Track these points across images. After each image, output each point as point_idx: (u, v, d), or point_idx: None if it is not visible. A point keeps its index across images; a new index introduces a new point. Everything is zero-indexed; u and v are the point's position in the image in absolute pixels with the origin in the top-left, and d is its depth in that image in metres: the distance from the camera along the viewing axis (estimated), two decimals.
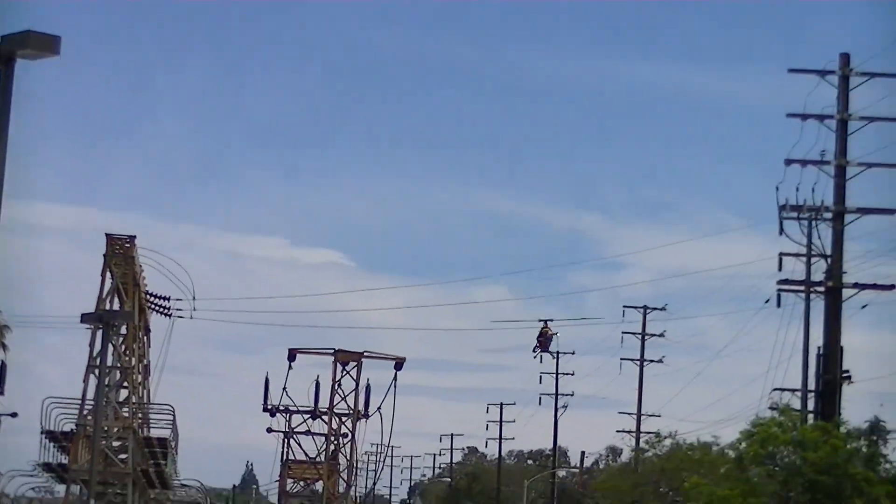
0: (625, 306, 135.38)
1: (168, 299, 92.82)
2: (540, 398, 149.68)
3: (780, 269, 79.69)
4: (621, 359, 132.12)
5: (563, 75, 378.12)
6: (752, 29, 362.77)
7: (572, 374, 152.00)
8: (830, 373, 74.74)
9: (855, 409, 79.63)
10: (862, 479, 66.03)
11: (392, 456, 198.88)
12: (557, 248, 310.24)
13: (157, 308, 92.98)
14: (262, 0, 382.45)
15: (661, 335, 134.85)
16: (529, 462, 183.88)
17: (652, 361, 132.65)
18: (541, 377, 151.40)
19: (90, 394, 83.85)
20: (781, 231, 78.35)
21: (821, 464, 65.85)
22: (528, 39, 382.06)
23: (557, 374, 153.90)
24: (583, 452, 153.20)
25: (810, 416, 75.46)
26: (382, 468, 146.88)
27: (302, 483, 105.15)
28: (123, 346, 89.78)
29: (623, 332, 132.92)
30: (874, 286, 78.41)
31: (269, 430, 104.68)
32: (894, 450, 71.34)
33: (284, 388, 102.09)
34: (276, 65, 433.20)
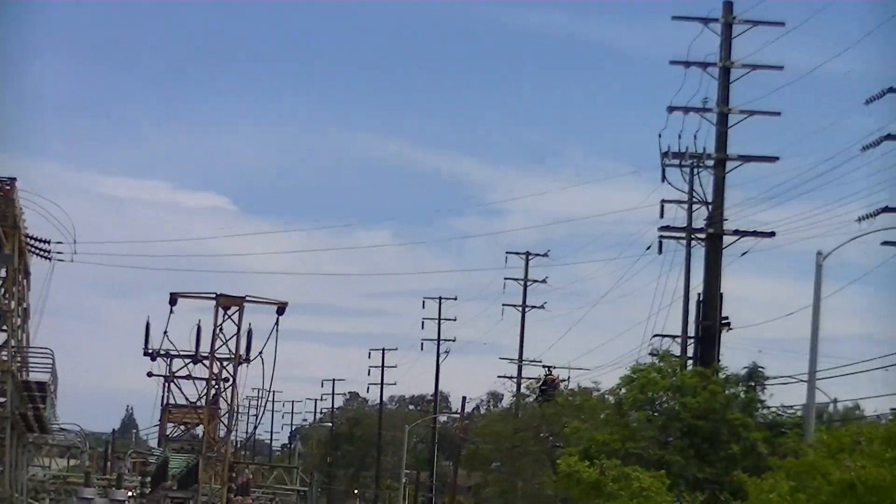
0: (507, 252, 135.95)
1: (48, 242, 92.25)
2: (422, 343, 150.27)
3: (661, 215, 79.93)
4: (503, 305, 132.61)
5: (445, 21, 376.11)
6: None
7: (454, 320, 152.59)
8: (710, 319, 75.00)
9: (734, 356, 79.86)
10: (739, 424, 66.32)
11: (273, 401, 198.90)
12: (440, 195, 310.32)
13: (37, 251, 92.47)
14: None
15: (544, 281, 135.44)
16: (411, 407, 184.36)
17: (534, 307, 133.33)
18: (423, 323, 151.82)
19: None
20: (664, 178, 78.56)
21: (699, 409, 66.06)
22: None
23: (440, 319, 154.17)
24: (464, 398, 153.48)
25: (689, 362, 75.71)
26: (263, 413, 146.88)
27: (182, 427, 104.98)
28: (3, 290, 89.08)
29: (505, 279, 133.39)
30: (754, 233, 78.77)
31: (150, 375, 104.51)
32: (772, 396, 71.70)
33: (165, 333, 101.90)
34: (157, 4, 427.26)
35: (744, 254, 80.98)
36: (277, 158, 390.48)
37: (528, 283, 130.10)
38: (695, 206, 78.72)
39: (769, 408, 70.24)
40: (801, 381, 59.63)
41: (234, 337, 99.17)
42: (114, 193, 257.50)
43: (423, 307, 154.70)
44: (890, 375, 69.84)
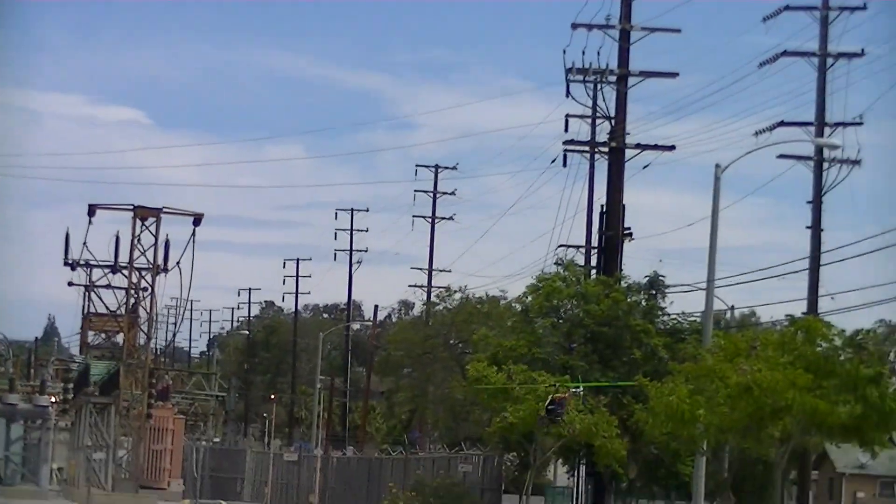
0: (417, 165, 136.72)
1: None
2: (335, 254, 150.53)
3: (566, 130, 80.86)
4: (413, 216, 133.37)
5: None
6: None
7: (366, 231, 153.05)
8: (612, 230, 76.23)
9: (635, 265, 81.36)
10: (641, 330, 67.60)
11: (191, 309, 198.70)
12: (350, 109, 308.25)
13: None
14: None
15: (452, 193, 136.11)
16: (325, 316, 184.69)
17: (443, 219, 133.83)
18: (336, 234, 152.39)
19: None
20: (568, 93, 79.35)
21: (602, 316, 67.37)
22: None
23: (351, 230, 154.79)
24: (376, 306, 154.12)
25: (593, 271, 77.02)
26: (182, 321, 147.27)
27: (103, 335, 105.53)
28: None
29: (415, 191, 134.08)
30: (655, 147, 79.86)
31: (70, 284, 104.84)
32: (672, 303, 72.98)
33: (85, 243, 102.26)
34: None
35: (645, 167, 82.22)
36: (191, 73, 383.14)
37: (438, 196, 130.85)
38: (598, 121, 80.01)
39: (669, 315, 71.40)
40: (700, 288, 60.76)
41: (152, 247, 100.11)
42: (30, 106, 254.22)
43: (336, 218, 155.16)
44: (785, 283, 71.45)
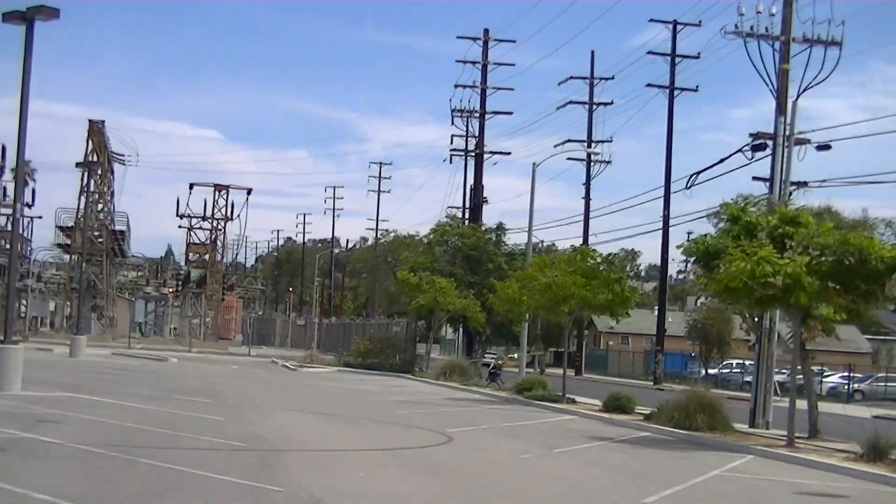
0: (370, 162, 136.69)
1: (123, 155, 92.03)
2: (324, 211, 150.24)
3: (451, 143, 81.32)
4: (368, 190, 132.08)
5: None
6: None
7: (342, 199, 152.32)
8: (477, 198, 76.16)
9: (490, 217, 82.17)
10: (492, 253, 67.83)
11: (245, 240, 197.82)
12: (333, 130, 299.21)
13: (117, 160, 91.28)
14: None
15: (389, 178, 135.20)
16: (319, 245, 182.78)
17: (384, 191, 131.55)
18: (325, 200, 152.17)
19: None
20: (452, 123, 79.50)
21: (471, 245, 67.36)
22: None
23: (334, 201, 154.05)
24: (348, 241, 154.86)
25: (467, 220, 77.06)
26: (240, 247, 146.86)
27: (198, 255, 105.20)
28: (99, 181, 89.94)
29: (369, 177, 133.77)
30: (499, 152, 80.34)
31: (180, 227, 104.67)
32: (509, 238, 73.09)
33: (188, 204, 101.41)
34: None
35: (495, 163, 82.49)
36: (245, 106, 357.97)
37: (383, 179, 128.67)
38: (470, 138, 79.90)
39: (507, 245, 71.42)
40: (524, 230, 61.41)
41: (224, 206, 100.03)
42: (158, 130, 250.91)
43: (325, 192, 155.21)
44: (571, 228, 71.52)
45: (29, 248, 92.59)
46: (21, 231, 76.02)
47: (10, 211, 66.79)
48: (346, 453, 20.89)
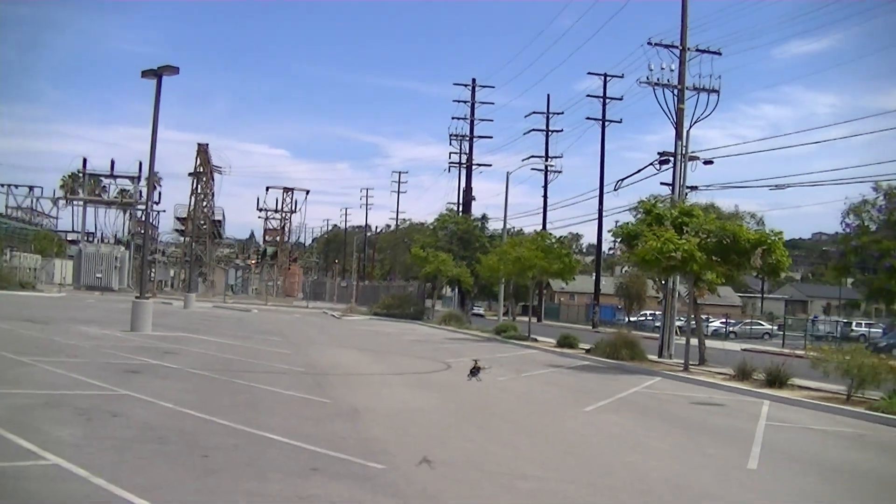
0: (392, 171, 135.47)
1: (220, 167, 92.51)
2: (360, 207, 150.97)
3: (449, 157, 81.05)
4: (391, 191, 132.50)
5: None
6: None
7: (373, 198, 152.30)
8: (467, 197, 75.98)
9: (478, 210, 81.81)
10: (479, 236, 67.55)
11: (305, 226, 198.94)
12: (363, 150, 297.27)
13: (217, 170, 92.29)
14: None
15: (406, 182, 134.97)
16: (357, 229, 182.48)
17: (402, 193, 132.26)
18: (358, 200, 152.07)
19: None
20: (450, 143, 79.15)
21: (463, 230, 67.12)
22: None
23: (367, 200, 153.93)
24: (376, 227, 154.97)
25: (461, 213, 76.85)
26: (301, 232, 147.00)
27: (270, 237, 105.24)
28: (205, 184, 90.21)
29: (392, 181, 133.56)
30: (483, 164, 79.59)
31: (259, 217, 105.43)
32: (490, 224, 72.99)
33: (265, 201, 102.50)
34: None
35: (480, 172, 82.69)
36: (305, 133, 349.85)
37: (401, 183, 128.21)
38: (463, 154, 79.63)
39: (490, 229, 71.22)
40: (500, 220, 61.30)
41: (291, 202, 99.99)
42: (244, 148, 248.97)
43: (361, 191, 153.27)
44: (533, 219, 71.08)
45: (157, 233, 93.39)
46: (151, 221, 76.53)
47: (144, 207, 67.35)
48: (374, 376, 21.01)
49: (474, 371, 8.55)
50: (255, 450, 10.30)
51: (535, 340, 39.20)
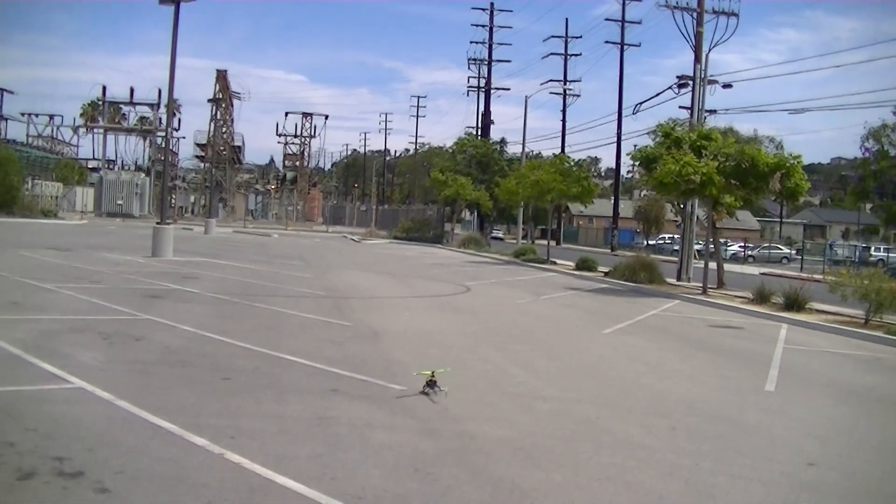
0: (411, 96, 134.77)
1: (239, 93, 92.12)
2: (378, 130, 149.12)
3: (468, 82, 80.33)
4: (410, 115, 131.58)
5: None
6: None
7: (391, 122, 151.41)
8: (486, 121, 75.54)
9: (495, 134, 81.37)
10: (497, 159, 67.29)
11: (324, 149, 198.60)
12: (390, 81, 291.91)
13: (235, 97, 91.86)
14: None
15: (425, 107, 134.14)
16: (376, 154, 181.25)
17: (422, 117, 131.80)
18: (376, 124, 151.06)
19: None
20: (469, 68, 78.56)
21: (483, 154, 66.93)
22: None
23: (386, 125, 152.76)
24: (395, 150, 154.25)
25: (479, 136, 76.32)
26: (321, 155, 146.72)
27: (291, 162, 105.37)
28: (224, 110, 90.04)
29: (410, 105, 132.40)
30: (502, 88, 78.80)
31: (278, 143, 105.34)
32: (509, 148, 72.48)
33: (284, 126, 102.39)
34: None
35: (498, 97, 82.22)
36: (323, 62, 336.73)
37: (420, 107, 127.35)
38: (481, 79, 79.00)
39: (508, 153, 71.06)
40: (519, 143, 60.94)
41: (310, 128, 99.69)
42: (263, 75, 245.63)
43: (379, 116, 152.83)
44: (552, 142, 70.67)
45: (177, 159, 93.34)
46: (171, 147, 76.38)
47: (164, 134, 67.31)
48: (394, 299, 21.06)
49: (430, 384, 8.49)
50: (276, 372, 10.36)
51: (554, 263, 39.20)
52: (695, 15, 35.11)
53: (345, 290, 22.16)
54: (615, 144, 72.75)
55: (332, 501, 5.83)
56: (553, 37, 79.61)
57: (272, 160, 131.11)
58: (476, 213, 70.07)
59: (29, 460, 6.24)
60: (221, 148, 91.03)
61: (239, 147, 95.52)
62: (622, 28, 73.35)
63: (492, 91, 77.06)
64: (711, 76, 35.72)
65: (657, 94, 57.43)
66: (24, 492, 5.62)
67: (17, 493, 5.57)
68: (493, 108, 78.24)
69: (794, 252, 68.43)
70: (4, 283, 17.80)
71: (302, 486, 6.09)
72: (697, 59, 34.76)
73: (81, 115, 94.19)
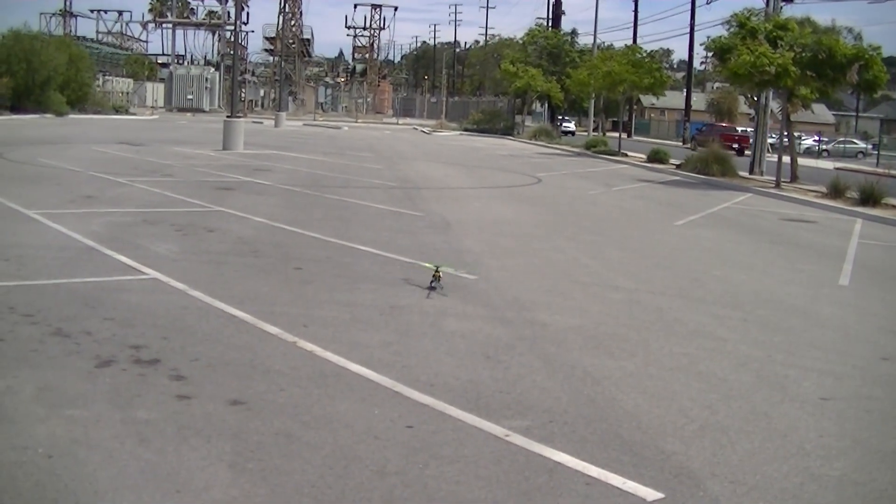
0: (480, 7, 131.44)
1: None
2: (448, 23, 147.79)
3: (548, 12, 78.47)
4: (483, 11, 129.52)
5: None
6: None
7: (461, 22, 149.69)
8: (557, 11, 73.99)
9: (566, 26, 79.64)
10: (568, 49, 66.19)
11: (393, 41, 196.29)
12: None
13: None
14: None
15: (494, 7, 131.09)
16: (447, 45, 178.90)
17: (492, 7, 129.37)
18: (447, 19, 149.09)
19: None
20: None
21: (553, 45, 65.64)
22: None
23: (457, 20, 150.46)
24: (465, 42, 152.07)
25: (550, 28, 74.98)
26: (391, 47, 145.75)
27: (359, 55, 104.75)
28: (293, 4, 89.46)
29: (482, 7, 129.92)
30: None
31: (347, 35, 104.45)
32: (580, 40, 71.10)
33: (353, 19, 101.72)
34: None
35: None
36: None
37: (490, 8, 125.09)
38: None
39: (579, 44, 69.71)
40: (590, 34, 59.80)
41: (379, 20, 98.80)
42: None
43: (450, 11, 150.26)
44: (625, 33, 69.06)
45: (246, 53, 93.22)
46: (240, 41, 76.33)
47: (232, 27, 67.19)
48: (466, 190, 21.00)
49: (435, 278, 8.38)
50: (348, 261, 10.40)
51: (625, 155, 38.70)
52: None
53: (416, 180, 22.14)
54: (688, 35, 71.04)
55: (405, 388, 5.84)
56: None
57: (341, 53, 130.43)
58: (547, 105, 69.14)
59: (106, 348, 6.32)
60: (290, 41, 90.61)
61: (308, 40, 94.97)
62: None
63: None
64: None
65: None
66: (102, 379, 5.70)
67: (95, 381, 5.66)
68: None
69: (870, 147, 66.67)
70: (79, 178, 18.06)
71: (374, 374, 6.10)
72: None
73: (150, 10, 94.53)
